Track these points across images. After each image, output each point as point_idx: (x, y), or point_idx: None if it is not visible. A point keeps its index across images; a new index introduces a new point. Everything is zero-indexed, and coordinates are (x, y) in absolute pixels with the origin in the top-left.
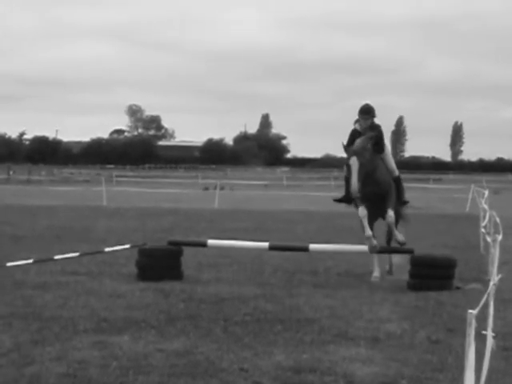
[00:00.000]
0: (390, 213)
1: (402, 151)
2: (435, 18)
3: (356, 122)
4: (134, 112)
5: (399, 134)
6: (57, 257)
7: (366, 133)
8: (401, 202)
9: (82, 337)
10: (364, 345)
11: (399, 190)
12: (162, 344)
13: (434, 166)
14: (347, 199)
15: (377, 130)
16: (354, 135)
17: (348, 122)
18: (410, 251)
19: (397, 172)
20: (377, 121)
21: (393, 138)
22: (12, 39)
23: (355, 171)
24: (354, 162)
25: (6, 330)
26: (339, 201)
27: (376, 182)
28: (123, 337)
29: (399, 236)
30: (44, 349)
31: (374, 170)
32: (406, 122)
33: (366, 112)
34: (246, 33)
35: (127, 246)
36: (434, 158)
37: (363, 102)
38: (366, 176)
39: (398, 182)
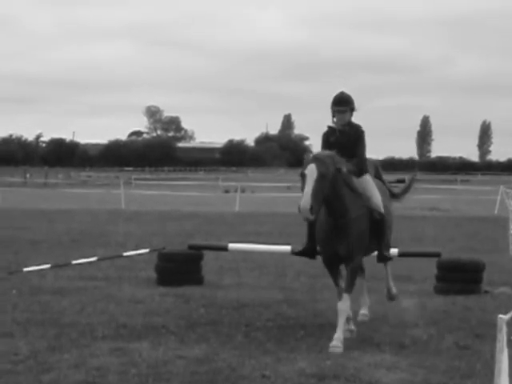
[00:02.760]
0: (345, 300)
1: (428, 152)
2: (462, 15)
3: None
4: (152, 113)
5: (425, 134)
6: (74, 262)
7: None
8: (381, 257)
9: (101, 343)
10: (389, 351)
11: (380, 239)
12: (183, 350)
13: (461, 167)
14: (310, 251)
15: (355, 133)
16: (328, 136)
17: (373, 122)
18: (437, 254)
19: (381, 208)
20: (355, 119)
21: (418, 139)
22: (28, 40)
23: (311, 181)
24: (312, 170)
25: (23, 337)
26: (299, 254)
27: (341, 234)
28: (142, 343)
29: (392, 289)
30: (62, 355)
31: (340, 198)
32: (432, 122)
33: (342, 102)
34: (267, 32)
35: (146, 251)
36: (461, 158)
37: (338, 91)
38: (329, 207)
39: (380, 225)
